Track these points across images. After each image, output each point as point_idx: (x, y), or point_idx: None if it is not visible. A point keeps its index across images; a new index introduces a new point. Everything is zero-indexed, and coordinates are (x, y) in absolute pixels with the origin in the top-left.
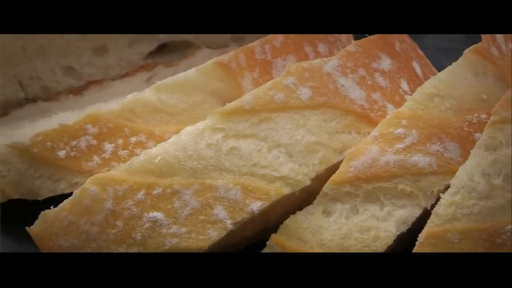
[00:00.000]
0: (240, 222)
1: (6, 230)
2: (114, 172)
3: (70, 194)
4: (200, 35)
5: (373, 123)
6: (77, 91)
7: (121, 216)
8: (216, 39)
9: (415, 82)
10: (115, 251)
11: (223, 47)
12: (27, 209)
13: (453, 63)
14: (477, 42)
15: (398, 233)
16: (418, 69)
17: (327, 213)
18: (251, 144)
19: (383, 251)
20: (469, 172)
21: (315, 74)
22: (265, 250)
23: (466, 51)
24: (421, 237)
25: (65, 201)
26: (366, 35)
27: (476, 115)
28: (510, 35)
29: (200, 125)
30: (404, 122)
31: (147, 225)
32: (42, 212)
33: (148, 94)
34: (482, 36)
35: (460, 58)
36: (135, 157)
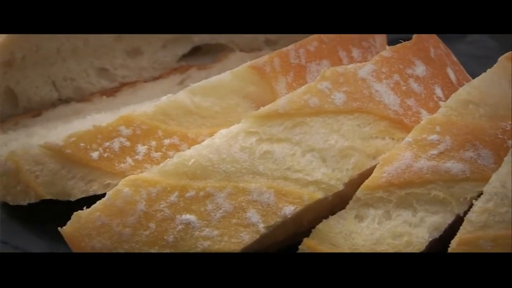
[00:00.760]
0: (273, 226)
1: (38, 230)
2: (148, 174)
3: (103, 195)
4: (234, 38)
5: (407, 129)
6: (110, 92)
7: (153, 218)
8: (249, 42)
9: (449, 88)
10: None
11: (257, 50)
12: (60, 209)
13: (488, 70)
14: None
15: (430, 239)
16: (452, 76)
17: (359, 218)
18: (285, 148)
19: None
20: (502, 179)
21: (350, 79)
22: None
23: (501, 58)
24: (453, 243)
25: (98, 202)
26: (401, 40)
27: (510, 122)
28: None
29: (234, 128)
30: (438, 128)
31: (179, 227)
32: (75, 213)
33: (182, 96)
34: None
35: (495, 65)
36: (168, 159)
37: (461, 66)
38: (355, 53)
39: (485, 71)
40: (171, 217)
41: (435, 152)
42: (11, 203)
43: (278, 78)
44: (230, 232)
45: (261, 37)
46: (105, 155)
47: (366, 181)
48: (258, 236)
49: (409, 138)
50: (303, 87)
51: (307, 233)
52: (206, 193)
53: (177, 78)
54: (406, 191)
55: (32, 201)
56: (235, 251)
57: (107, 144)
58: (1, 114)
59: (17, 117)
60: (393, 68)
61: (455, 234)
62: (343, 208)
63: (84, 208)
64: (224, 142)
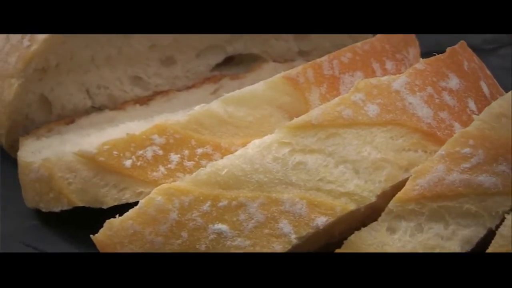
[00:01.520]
0: (305, 237)
1: (71, 237)
2: (181, 183)
3: (135, 203)
4: (267, 48)
5: (440, 142)
6: (144, 101)
7: (186, 227)
8: (282, 53)
9: (483, 102)
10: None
11: (290, 61)
12: (92, 217)
13: None
14: None
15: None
16: (485, 89)
17: (391, 230)
18: (318, 159)
19: None
20: None
21: (383, 91)
22: None
23: None
24: None
25: (131, 211)
26: (434, 53)
27: None
28: None
29: (267, 138)
30: (471, 141)
31: (211, 236)
32: (107, 221)
33: (216, 106)
34: None
35: None
36: (201, 168)
37: (494, 80)
38: (389, 65)
39: None
40: (203, 226)
41: (467, 165)
42: (43, 210)
43: (311, 89)
44: (262, 242)
45: (294, 47)
46: (138, 163)
47: (399, 193)
48: (290, 247)
49: (442, 151)
50: (337, 98)
51: (338, 244)
52: (239, 203)
53: (210, 87)
54: (438, 204)
55: (65, 208)
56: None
57: (140, 152)
58: (35, 121)
59: (51, 124)
60: (426, 80)
61: (487, 248)
62: (375, 220)
63: (117, 216)
64: (257, 152)
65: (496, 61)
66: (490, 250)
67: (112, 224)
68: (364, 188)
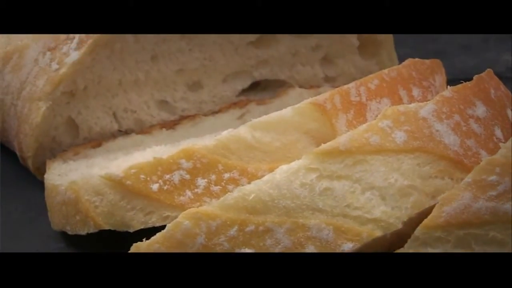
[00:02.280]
0: None
1: None
2: (208, 207)
3: (161, 227)
4: (294, 74)
5: (467, 170)
6: (170, 125)
7: (213, 251)
8: (308, 78)
9: (509, 129)
10: None
11: (315, 87)
12: (118, 240)
13: None
14: None
15: None
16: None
17: None
18: (345, 186)
19: None
20: None
21: (411, 118)
22: None
23: None
24: None
25: (158, 234)
26: (461, 81)
27: None
28: None
29: (294, 164)
30: (497, 169)
31: None
32: (134, 244)
33: (243, 131)
34: None
35: None
36: (229, 193)
37: None
38: (415, 92)
39: None
40: (230, 250)
41: (494, 193)
42: (70, 233)
43: (338, 115)
44: None
45: (320, 73)
46: (165, 187)
47: (425, 220)
48: None
49: (468, 178)
50: (364, 125)
51: None
52: (266, 228)
53: (237, 112)
54: (464, 231)
55: (91, 231)
56: None
57: (167, 176)
58: (62, 144)
59: (78, 147)
60: (454, 108)
61: None
62: (401, 246)
63: (143, 239)
64: (284, 177)
65: None
66: None
67: (139, 247)
68: (391, 215)
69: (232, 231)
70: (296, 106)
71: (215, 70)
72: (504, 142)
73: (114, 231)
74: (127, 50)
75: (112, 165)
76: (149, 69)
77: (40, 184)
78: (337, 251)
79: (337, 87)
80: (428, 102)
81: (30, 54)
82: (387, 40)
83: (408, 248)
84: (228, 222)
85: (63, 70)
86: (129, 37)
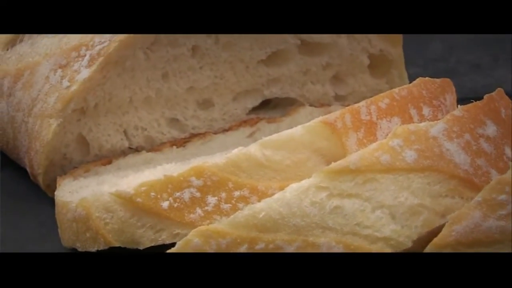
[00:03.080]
0: None
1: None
2: (218, 225)
3: (171, 244)
4: (305, 93)
5: (477, 189)
6: (180, 143)
7: None
8: (318, 97)
9: None
10: None
11: (326, 105)
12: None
13: None
14: None
15: None
16: None
17: None
18: (355, 204)
19: None
20: None
21: (421, 137)
22: None
23: None
24: None
25: (168, 252)
26: (472, 100)
27: None
28: None
29: (305, 182)
30: (507, 188)
31: None
32: None
33: (254, 149)
34: None
35: None
36: (239, 211)
37: None
38: (426, 111)
39: None
40: None
41: (504, 212)
42: (80, 250)
43: (348, 134)
44: None
45: (331, 92)
46: (175, 205)
47: (435, 239)
48: None
49: (478, 197)
50: (374, 143)
51: None
52: (276, 246)
53: (247, 130)
54: (474, 250)
55: (101, 248)
56: None
57: (178, 194)
58: (72, 161)
59: (88, 164)
60: (464, 127)
61: None
62: None
63: None
64: (294, 196)
65: None
66: None
67: None
68: (401, 233)
69: (242, 249)
70: (307, 124)
71: (226, 88)
72: None
73: (124, 248)
74: (138, 67)
75: (123, 182)
76: (160, 87)
77: (50, 201)
78: None
79: (347, 105)
80: (438, 121)
81: (41, 72)
82: (397, 59)
83: None
84: (238, 240)
85: (74, 88)
86: (140, 54)
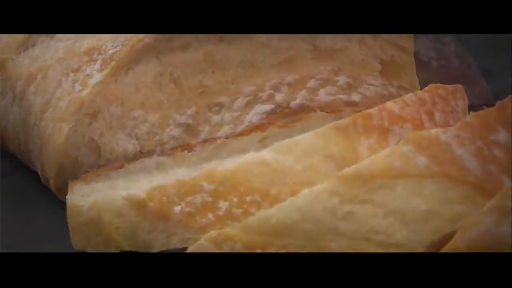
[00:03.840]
0: None
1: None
2: (229, 229)
3: (182, 249)
4: (315, 98)
5: (489, 195)
6: (192, 147)
7: None
8: (330, 103)
9: None
10: None
11: (338, 111)
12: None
13: None
14: None
15: None
16: None
17: None
18: (367, 210)
19: None
20: None
21: (433, 143)
22: None
23: None
24: None
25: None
26: (484, 106)
27: None
28: None
29: (317, 188)
30: None
31: None
32: None
33: (265, 154)
34: None
35: None
36: (251, 216)
37: None
38: (437, 117)
39: None
40: None
41: None
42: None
43: (360, 139)
44: None
45: (343, 97)
46: (187, 209)
47: (447, 245)
48: None
49: (490, 204)
50: (386, 149)
51: None
52: (287, 251)
53: (258, 135)
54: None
55: (113, 251)
56: None
57: (189, 198)
58: (84, 165)
59: (100, 169)
60: (476, 133)
61: None
62: None
63: None
64: (307, 201)
65: None
66: None
67: None
68: (413, 239)
69: None
70: (318, 130)
71: (237, 93)
72: None
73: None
74: (149, 72)
75: (134, 186)
76: (171, 91)
77: (62, 204)
78: None
79: (359, 111)
80: (450, 127)
81: (54, 75)
82: (408, 64)
83: None
84: (250, 245)
85: (86, 92)
86: (152, 58)
